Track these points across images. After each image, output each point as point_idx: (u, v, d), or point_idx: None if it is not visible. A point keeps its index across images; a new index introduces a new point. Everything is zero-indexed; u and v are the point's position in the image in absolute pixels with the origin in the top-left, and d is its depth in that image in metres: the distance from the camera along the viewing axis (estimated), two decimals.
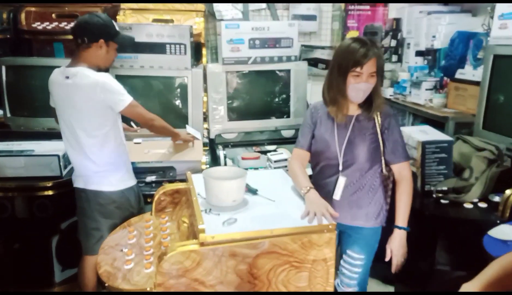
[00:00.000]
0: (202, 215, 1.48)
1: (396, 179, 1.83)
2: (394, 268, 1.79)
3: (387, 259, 1.80)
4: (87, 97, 1.98)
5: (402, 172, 1.81)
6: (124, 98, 2.03)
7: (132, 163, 2.34)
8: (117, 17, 3.10)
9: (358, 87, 1.71)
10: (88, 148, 2.06)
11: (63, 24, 2.98)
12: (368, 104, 1.78)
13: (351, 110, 1.81)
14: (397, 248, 1.77)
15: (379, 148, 1.81)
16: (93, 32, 2.02)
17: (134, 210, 2.19)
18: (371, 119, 1.80)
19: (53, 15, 3.00)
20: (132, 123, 2.47)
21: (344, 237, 1.94)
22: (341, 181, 1.82)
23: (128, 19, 3.14)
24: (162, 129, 2.26)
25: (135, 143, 2.40)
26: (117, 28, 2.12)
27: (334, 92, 1.77)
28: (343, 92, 1.74)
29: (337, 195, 1.83)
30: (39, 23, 2.98)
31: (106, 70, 2.19)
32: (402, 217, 1.78)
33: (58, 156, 2.32)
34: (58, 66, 2.10)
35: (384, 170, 1.85)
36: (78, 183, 2.15)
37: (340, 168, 1.82)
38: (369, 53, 1.66)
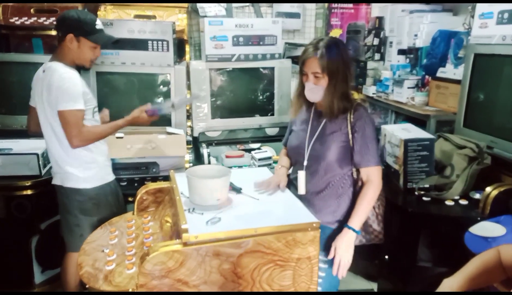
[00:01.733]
0: (186, 215, 1.46)
1: (364, 183, 1.79)
2: (335, 268, 1.68)
3: (329, 257, 1.70)
4: (51, 94, 1.95)
5: (370, 176, 1.77)
6: (68, 104, 1.93)
7: (113, 159, 2.30)
8: (98, 12, 3.05)
9: (306, 86, 1.77)
10: (62, 143, 2.02)
11: (42, 20, 2.91)
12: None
13: (322, 107, 1.82)
14: (342, 247, 1.68)
15: (349, 149, 1.79)
16: (65, 26, 2.01)
17: (114, 208, 2.16)
18: (344, 119, 1.78)
19: (32, 10, 2.93)
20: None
21: None
22: (301, 174, 1.82)
23: (109, 15, 3.09)
24: (98, 135, 2.07)
25: (117, 137, 2.35)
26: (96, 27, 2.05)
27: (297, 90, 1.87)
28: (300, 91, 1.84)
29: (300, 189, 1.83)
30: (17, 18, 2.90)
31: (87, 68, 2.15)
32: (356, 219, 1.72)
33: (37, 154, 2.27)
34: (37, 63, 2.07)
35: (354, 174, 1.82)
36: (55, 180, 2.12)
37: (305, 163, 1.83)
38: (307, 53, 1.74)
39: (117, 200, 2.22)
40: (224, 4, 3.39)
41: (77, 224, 2.10)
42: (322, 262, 1.74)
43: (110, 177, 2.20)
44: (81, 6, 3.13)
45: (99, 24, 2.08)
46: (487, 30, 2.14)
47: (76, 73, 2.02)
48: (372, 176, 1.77)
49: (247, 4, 3.56)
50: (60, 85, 1.94)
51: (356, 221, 1.72)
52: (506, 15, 2.03)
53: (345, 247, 1.69)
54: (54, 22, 2.87)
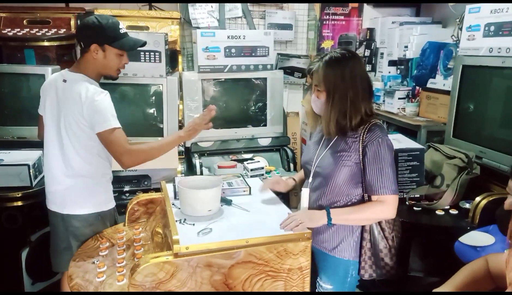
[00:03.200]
0: (177, 225, 1.47)
1: None
2: (282, 223, 1.53)
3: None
4: (74, 108, 1.83)
5: (384, 204, 1.60)
6: (111, 122, 1.81)
7: None
8: None
9: (311, 99, 1.72)
10: (67, 158, 1.90)
11: (34, 30, 2.91)
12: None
13: None
14: (305, 212, 1.61)
15: (360, 171, 1.63)
16: (87, 35, 1.86)
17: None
18: (356, 138, 1.62)
19: (25, 22, 2.94)
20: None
21: (315, 259, 1.76)
22: (304, 192, 1.73)
23: None
24: (150, 155, 1.91)
25: None
26: (120, 31, 1.90)
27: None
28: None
29: (302, 204, 1.74)
30: (9, 29, 2.90)
31: (114, 78, 2.02)
32: (339, 212, 1.60)
33: (28, 165, 2.25)
34: (29, 74, 2.04)
35: (365, 198, 1.65)
36: (51, 205, 1.97)
37: (310, 180, 1.74)
38: (312, 64, 1.68)
39: (114, 224, 2.06)
40: (217, 15, 3.42)
41: (67, 247, 1.94)
42: (327, 290, 1.72)
43: (112, 204, 2.04)
44: (73, 17, 3.15)
45: (123, 28, 1.92)
46: (474, 42, 2.18)
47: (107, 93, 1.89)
48: (386, 204, 1.59)
49: (240, 15, 3.60)
50: (97, 104, 1.79)
51: (338, 213, 1.60)
52: (492, 28, 2.07)
53: (308, 214, 1.59)
54: (47, 33, 2.89)
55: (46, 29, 2.89)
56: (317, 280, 1.78)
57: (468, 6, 2.25)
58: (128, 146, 1.83)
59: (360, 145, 1.60)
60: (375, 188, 1.59)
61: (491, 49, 2.07)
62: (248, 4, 3.58)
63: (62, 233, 1.96)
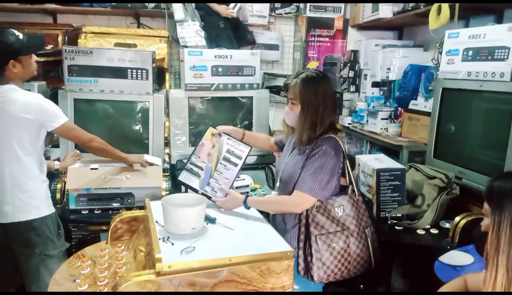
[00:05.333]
0: (160, 244, 1.46)
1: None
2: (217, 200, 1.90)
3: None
4: (16, 117, 1.96)
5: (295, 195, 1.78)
6: (59, 119, 2.03)
7: (88, 189, 2.28)
8: (79, 40, 3.07)
9: (284, 111, 1.92)
10: (14, 170, 2.00)
11: None
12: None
13: None
14: (226, 199, 1.88)
15: None
16: (1, 57, 2.01)
17: (54, 237, 2.10)
18: (308, 147, 1.82)
19: None
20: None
21: None
22: (272, 194, 1.97)
23: (90, 43, 3.11)
24: (104, 151, 2.23)
25: (92, 169, 2.34)
26: (23, 41, 2.04)
27: None
28: None
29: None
30: None
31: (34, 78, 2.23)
32: (255, 199, 1.87)
33: None
34: None
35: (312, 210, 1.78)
36: None
37: (277, 184, 1.94)
38: (288, 80, 1.88)
39: (57, 229, 2.14)
40: (204, 35, 3.46)
41: (12, 258, 2.03)
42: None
43: (53, 208, 2.14)
44: (61, 33, 3.16)
45: (21, 36, 2.05)
46: (453, 66, 2.26)
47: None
48: (296, 198, 1.77)
49: None
50: (42, 104, 2.00)
51: (254, 198, 1.88)
52: (470, 53, 2.15)
53: (229, 200, 1.88)
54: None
55: None
56: None
57: (448, 32, 2.33)
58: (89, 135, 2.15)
59: (309, 151, 1.80)
60: (299, 182, 1.78)
61: (469, 73, 2.15)
62: None
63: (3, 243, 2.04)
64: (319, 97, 1.80)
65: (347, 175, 1.87)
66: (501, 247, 1.06)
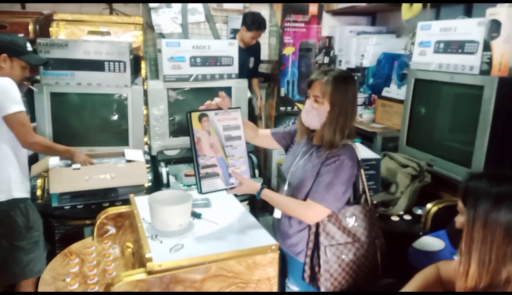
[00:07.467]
0: (148, 242, 1.50)
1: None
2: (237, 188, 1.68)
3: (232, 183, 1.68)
4: None
5: (309, 206, 1.66)
6: (13, 106, 2.02)
7: None
8: (50, 29, 2.99)
9: (303, 108, 1.74)
10: None
11: None
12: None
13: (315, 139, 1.78)
14: (243, 186, 1.67)
15: None
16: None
17: (21, 229, 2.10)
18: (324, 154, 1.68)
19: None
20: None
21: (285, 261, 1.86)
22: None
23: (62, 31, 3.03)
24: (45, 148, 2.24)
25: (74, 169, 2.32)
26: (27, 49, 2.19)
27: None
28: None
29: (276, 212, 1.83)
30: None
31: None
32: (271, 193, 1.70)
33: None
34: None
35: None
36: None
37: (285, 188, 1.81)
38: (315, 75, 1.69)
39: (27, 220, 2.13)
40: (180, 21, 3.43)
41: None
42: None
43: (21, 193, 2.12)
44: (31, 21, 3.06)
45: (29, 47, 2.21)
46: (425, 58, 2.34)
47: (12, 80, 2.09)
48: (309, 208, 1.65)
49: (203, 20, 3.62)
50: (6, 86, 2.01)
51: (268, 192, 1.69)
52: (442, 45, 2.24)
53: (244, 185, 1.67)
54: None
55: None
56: (286, 281, 1.88)
57: (420, 23, 2.40)
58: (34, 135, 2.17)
59: (324, 158, 1.67)
60: (312, 192, 1.66)
61: (440, 65, 2.24)
62: (211, 9, 3.62)
63: None
64: (349, 100, 1.66)
65: (360, 184, 1.77)
66: (474, 245, 1.13)
